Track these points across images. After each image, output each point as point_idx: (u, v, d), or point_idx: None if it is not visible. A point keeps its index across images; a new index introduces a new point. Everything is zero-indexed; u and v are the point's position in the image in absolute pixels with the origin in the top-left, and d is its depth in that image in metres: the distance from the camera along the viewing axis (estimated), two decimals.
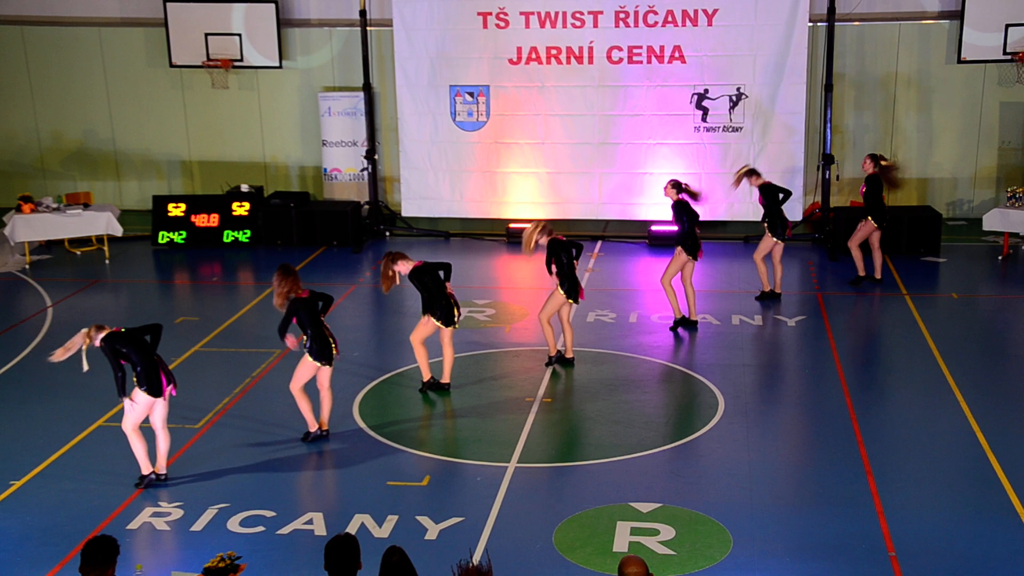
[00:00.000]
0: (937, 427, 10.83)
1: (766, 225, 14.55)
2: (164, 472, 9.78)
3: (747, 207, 17.89)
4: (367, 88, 18.73)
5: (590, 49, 17.98)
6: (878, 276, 15.44)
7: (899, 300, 14.81)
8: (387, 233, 18.95)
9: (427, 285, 11.46)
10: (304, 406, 10.53)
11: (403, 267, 11.39)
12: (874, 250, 15.42)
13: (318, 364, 10.36)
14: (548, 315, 12.35)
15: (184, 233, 18.47)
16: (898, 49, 18.40)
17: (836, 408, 11.26)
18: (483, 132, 18.52)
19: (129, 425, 9.58)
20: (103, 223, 17.58)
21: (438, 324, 11.51)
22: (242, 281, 17.22)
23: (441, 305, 11.48)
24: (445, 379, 11.79)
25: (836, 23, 17.57)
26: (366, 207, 18.97)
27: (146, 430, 9.74)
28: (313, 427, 10.59)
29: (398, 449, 10.42)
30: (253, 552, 8.37)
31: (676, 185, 13.52)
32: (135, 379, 9.43)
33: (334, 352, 10.42)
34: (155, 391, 9.46)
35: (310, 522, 9.01)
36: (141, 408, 9.53)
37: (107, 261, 17.50)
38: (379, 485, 9.72)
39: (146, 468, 9.70)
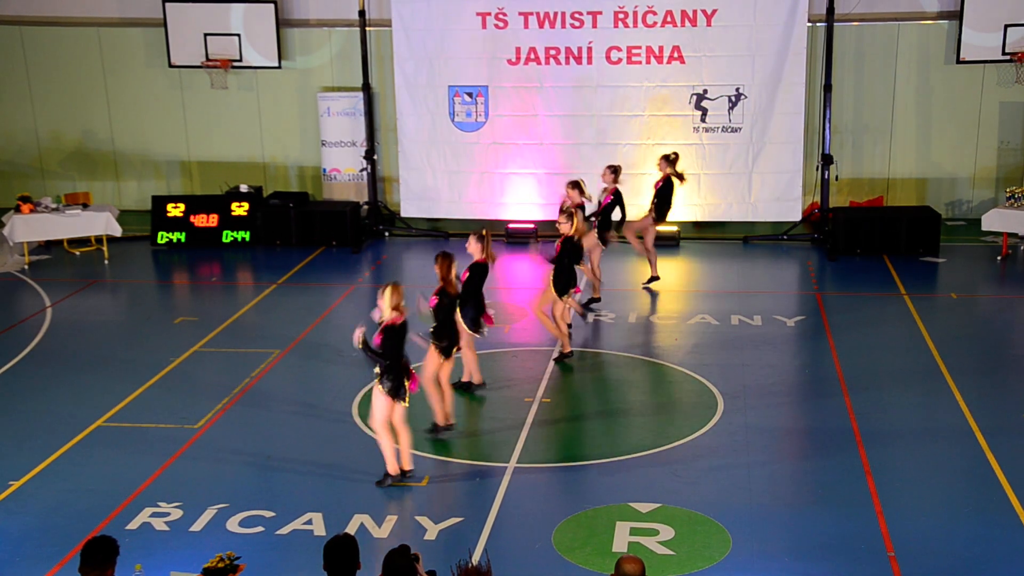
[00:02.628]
0: (936, 427, 10.83)
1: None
2: (411, 467, 9.71)
3: (746, 207, 17.92)
4: (366, 88, 18.73)
5: (589, 49, 17.97)
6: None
7: (898, 300, 14.81)
8: (386, 233, 18.94)
9: (475, 284, 11.37)
10: (434, 399, 10.57)
11: (475, 250, 11.39)
12: (649, 249, 15.44)
13: (442, 358, 10.49)
14: (548, 308, 12.58)
15: (183, 233, 18.47)
16: (897, 49, 18.41)
17: (835, 408, 11.26)
18: (482, 132, 18.50)
19: (378, 423, 9.52)
20: (102, 223, 17.56)
21: (468, 331, 11.28)
22: (241, 281, 17.21)
23: (471, 311, 11.29)
24: (478, 380, 11.83)
25: (835, 23, 17.57)
26: (365, 207, 18.96)
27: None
28: (443, 421, 10.60)
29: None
30: (252, 552, 8.36)
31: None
32: (377, 369, 9.35)
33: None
34: (398, 393, 9.40)
35: (309, 522, 9.00)
36: (384, 405, 9.43)
37: (106, 261, 17.48)
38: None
39: (392, 468, 9.62)
